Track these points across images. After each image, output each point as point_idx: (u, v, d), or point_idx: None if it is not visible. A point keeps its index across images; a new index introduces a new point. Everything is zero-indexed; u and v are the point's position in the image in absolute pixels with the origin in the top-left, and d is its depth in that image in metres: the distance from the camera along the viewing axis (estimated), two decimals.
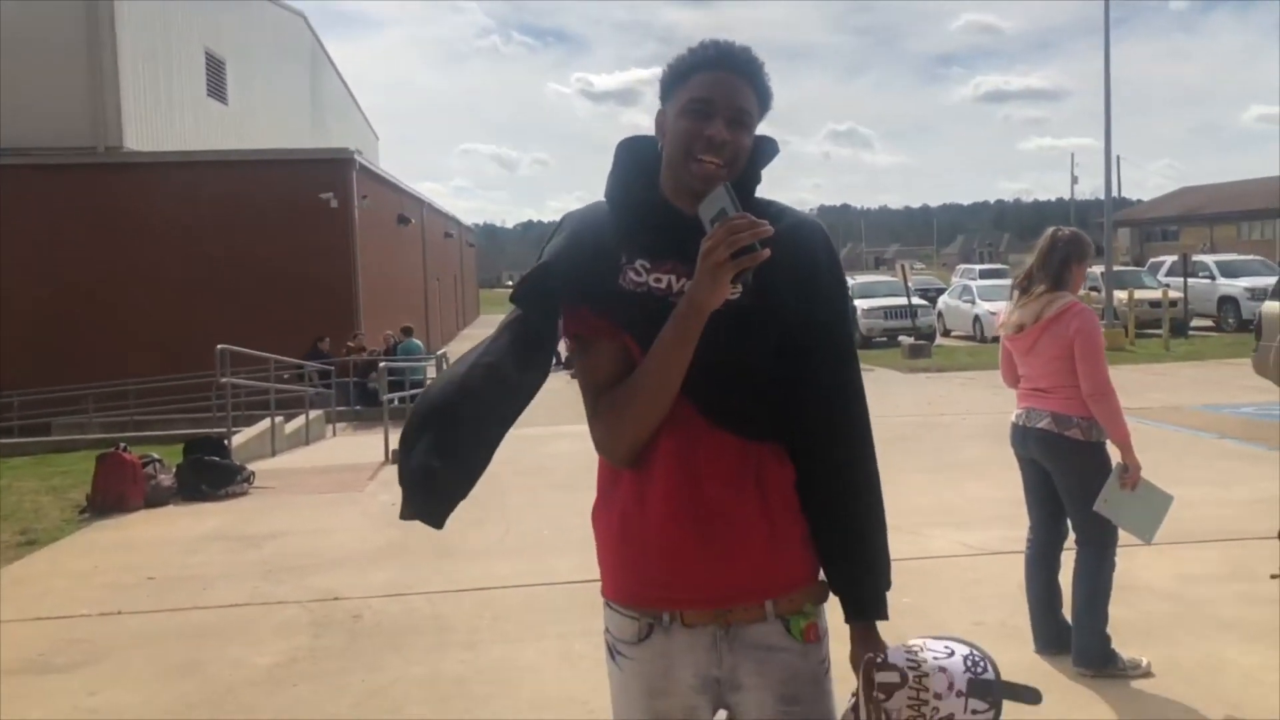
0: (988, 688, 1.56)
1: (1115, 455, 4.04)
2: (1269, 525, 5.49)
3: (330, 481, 9.34)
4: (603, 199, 1.78)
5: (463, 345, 32.14)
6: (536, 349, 1.69)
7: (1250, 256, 27.89)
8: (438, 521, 1.70)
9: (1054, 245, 4.17)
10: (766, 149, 1.76)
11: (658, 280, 1.69)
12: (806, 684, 1.72)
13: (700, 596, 1.69)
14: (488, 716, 3.99)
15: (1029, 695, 1.61)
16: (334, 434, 15.43)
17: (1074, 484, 4.08)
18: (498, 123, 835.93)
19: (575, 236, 1.72)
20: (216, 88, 25.49)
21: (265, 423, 12.67)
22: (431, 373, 16.03)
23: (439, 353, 17.04)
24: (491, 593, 5.49)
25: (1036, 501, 4.31)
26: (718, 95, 1.65)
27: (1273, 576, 4.71)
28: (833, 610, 1.79)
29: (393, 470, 9.51)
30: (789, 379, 1.70)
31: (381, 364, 13.66)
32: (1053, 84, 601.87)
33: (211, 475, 8.70)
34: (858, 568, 1.74)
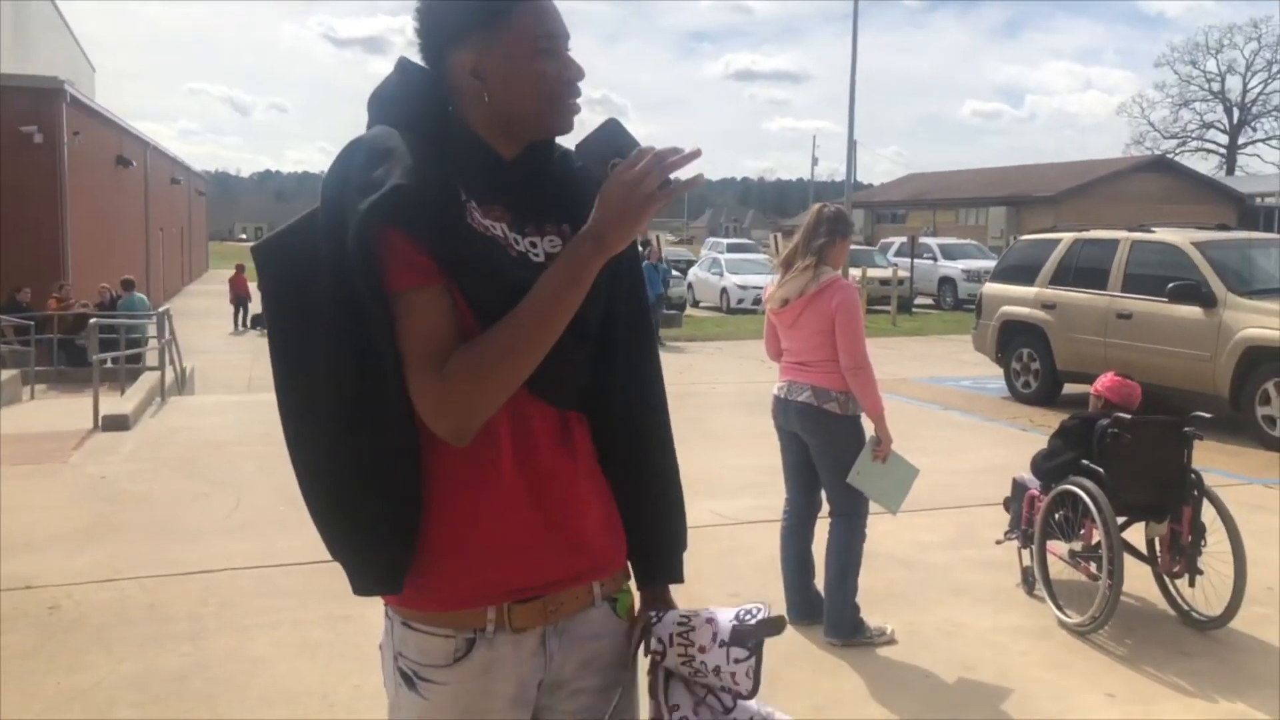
0: (748, 633, 1.49)
1: (869, 429, 4.13)
2: (992, 493, 5.87)
3: (26, 451, 8.26)
4: (386, 127, 1.48)
5: (189, 302, 30.06)
6: (376, 351, 1.41)
7: (966, 241, 30.56)
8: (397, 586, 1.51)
9: (819, 221, 4.19)
10: None
11: (493, 226, 1.47)
12: (623, 667, 1.62)
13: (533, 583, 1.50)
14: (210, 717, 3.56)
15: (773, 626, 1.53)
16: (33, 397, 13.80)
17: (830, 457, 4.13)
18: (230, 63, 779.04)
19: (408, 161, 1.40)
20: None
21: None
22: (152, 330, 14.66)
23: (161, 309, 15.57)
24: (217, 576, 4.97)
25: (794, 473, 4.34)
26: (558, 26, 1.49)
27: (998, 542, 5.03)
28: None
29: (104, 438, 8.63)
30: (600, 341, 1.57)
31: (92, 320, 12.28)
32: (798, 67, 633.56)
33: None
34: (665, 532, 1.68)
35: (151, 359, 13.92)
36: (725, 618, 1.52)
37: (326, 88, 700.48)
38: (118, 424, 9.20)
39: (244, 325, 24.40)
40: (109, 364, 12.36)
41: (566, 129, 1.52)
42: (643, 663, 1.65)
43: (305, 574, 4.83)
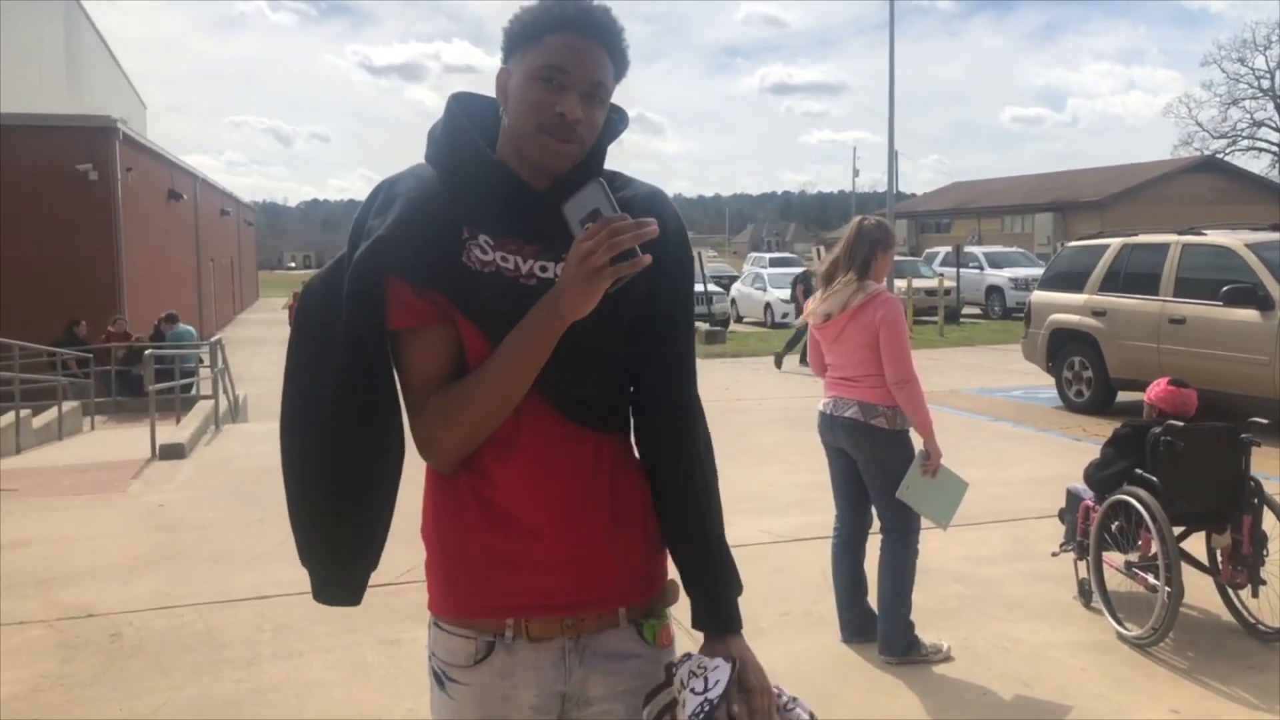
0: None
1: (918, 443, 4.09)
2: (1045, 504, 5.78)
3: (86, 481, 8.45)
4: (424, 163, 1.55)
5: (240, 331, 30.53)
6: (373, 386, 1.51)
7: (1013, 249, 30.20)
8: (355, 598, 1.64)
9: (860, 234, 4.16)
10: (617, 122, 1.59)
11: (505, 259, 1.49)
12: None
13: (553, 603, 1.53)
14: None
15: None
16: (92, 428, 14.12)
17: (879, 472, 4.10)
18: (270, 95, 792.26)
19: (410, 206, 1.48)
20: None
21: (9, 416, 11.38)
22: (204, 359, 14.92)
23: (213, 339, 15.86)
24: (271, 602, 5.03)
25: (843, 490, 4.30)
26: (574, 65, 1.46)
27: (1053, 554, 4.95)
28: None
29: (161, 467, 8.79)
30: (638, 364, 1.57)
31: (147, 351, 12.54)
32: (833, 78, 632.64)
33: None
34: (715, 575, 1.59)
35: (205, 388, 14.18)
36: (692, 702, 1.46)
37: (365, 116, 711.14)
38: (174, 453, 9.37)
39: None
40: (166, 393, 12.61)
41: (547, 165, 1.49)
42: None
43: None
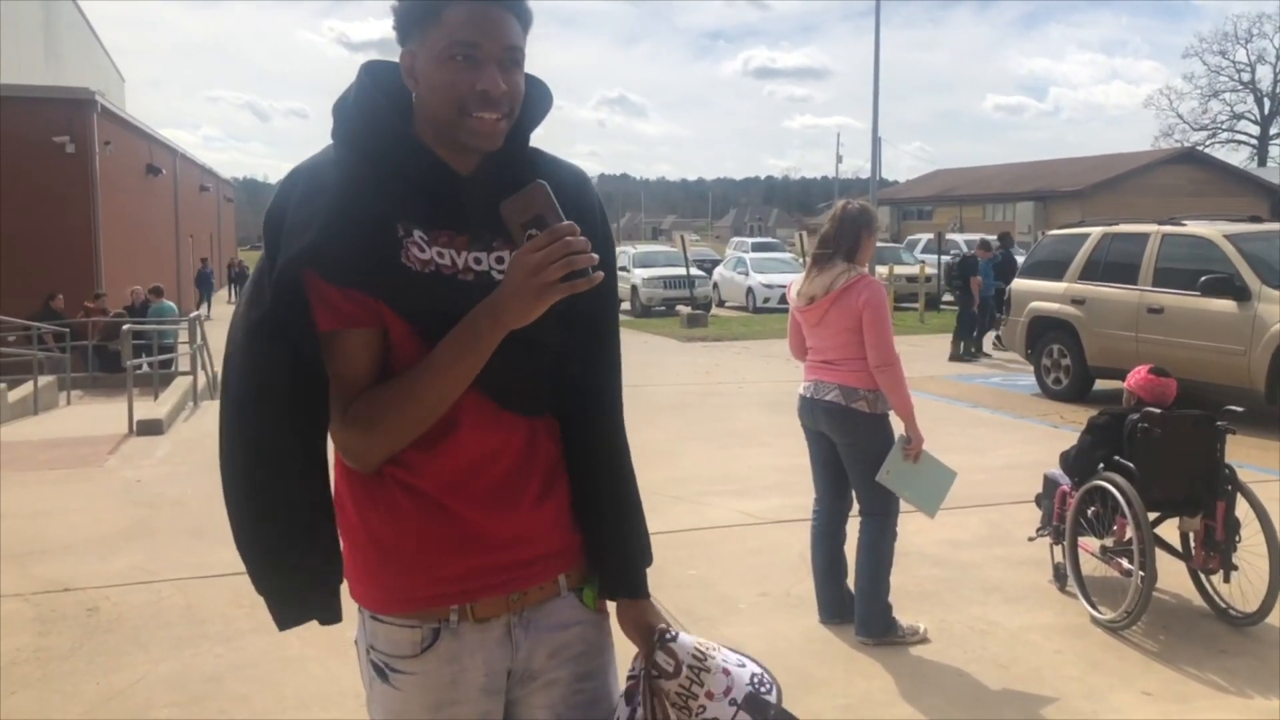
0: (764, 707, 1.48)
1: (899, 427, 4.11)
2: (1022, 490, 5.83)
3: (63, 456, 8.39)
4: (334, 143, 1.48)
5: (219, 308, 30.29)
6: (303, 378, 1.43)
7: (993, 236, 30.25)
8: (333, 615, 1.58)
9: (844, 218, 4.17)
10: (541, 99, 1.53)
11: (440, 255, 1.44)
12: (597, 655, 1.63)
13: (495, 581, 1.52)
14: (248, 717, 3.60)
15: (789, 718, 1.54)
16: (69, 402, 14.01)
17: (858, 456, 4.12)
18: (247, 71, 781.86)
19: (338, 202, 1.40)
20: None
21: None
22: (183, 336, 14.81)
23: (192, 315, 15.74)
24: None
25: (823, 473, 4.32)
26: (483, 35, 1.39)
27: (1030, 539, 4.99)
28: None
29: (139, 442, 8.73)
30: (567, 347, 1.56)
31: (125, 325, 12.43)
32: (816, 63, 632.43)
33: None
34: (632, 546, 1.65)
35: (183, 364, 14.08)
36: (741, 677, 1.51)
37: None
38: (152, 428, 9.31)
39: None
40: (143, 369, 12.51)
41: (479, 145, 1.44)
42: (622, 663, 1.66)
43: None
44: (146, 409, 10.02)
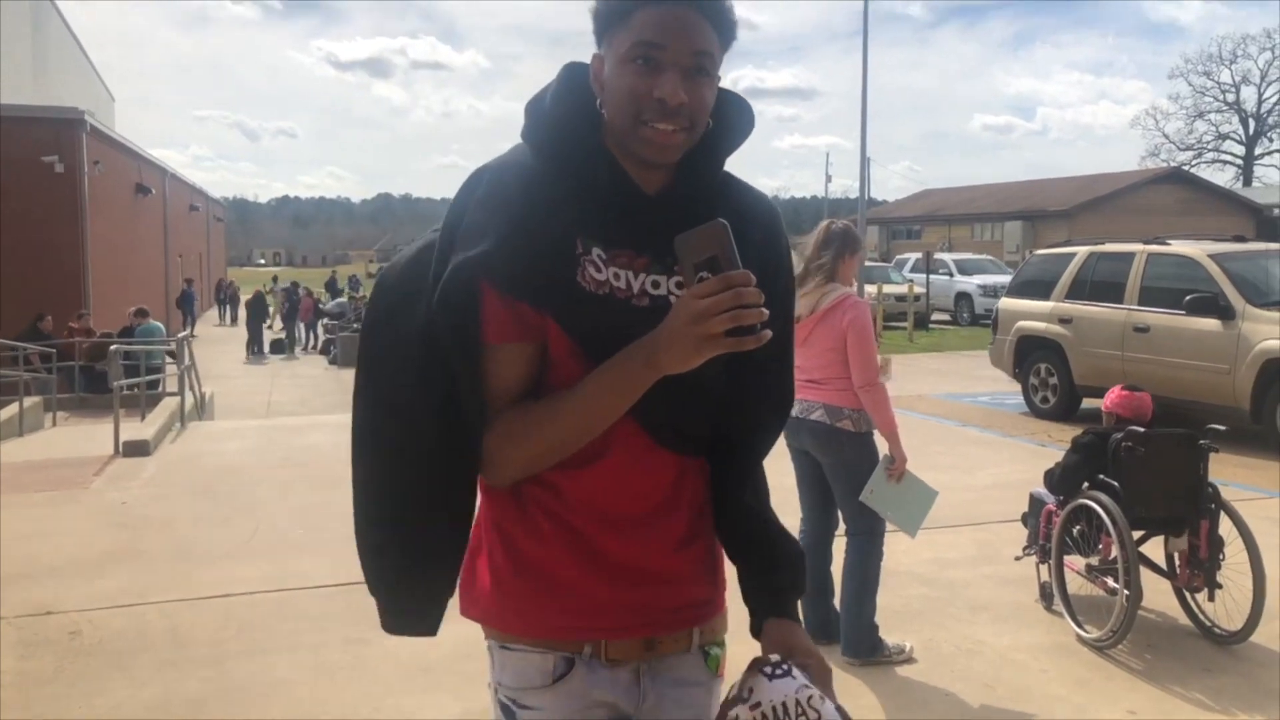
0: None
1: (883, 447, 4.12)
2: (1010, 509, 5.85)
3: (47, 478, 8.33)
4: (522, 146, 1.41)
5: (207, 329, 30.21)
6: (458, 396, 1.38)
7: (983, 256, 30.48)
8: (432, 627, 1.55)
9: (828, 238, 4.20)
10: (740, 118, 1.43)
11: (617, 277, 1.37)
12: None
13: (631, 622, 1.44)
14: None
15: None
16: (54, 423, 13.93)
17: (843, 475, 4.13)
18: (236, 90, 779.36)
19: (519, 210, 1.34)
20: None
21: None
22: (170, 357, 14.77)
23: (181, 335, 15.70)
24: (236, 600, 4.99)
25: (809, 492, 4.33)
26: (669, 38, 1.30)
27: (1016, 558, 5.00)
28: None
29: (125, 464, 8.69)
30: (735, 396, 1.46)
31: (113, 346, 12.39)
32: (805, 83, 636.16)
33: None
34: (782, 567, 1.51)
35: (171, 385, 14.03)
36: None
37: (333, 112, 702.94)
38: (138, 450, 9.26)
39: (259, 351, 24.58)
40: (131, 390, 12.45)
41: (652, 158, 1.35)
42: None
43: (323, 597, 4.85)
44: (133, 430, 9.97)
